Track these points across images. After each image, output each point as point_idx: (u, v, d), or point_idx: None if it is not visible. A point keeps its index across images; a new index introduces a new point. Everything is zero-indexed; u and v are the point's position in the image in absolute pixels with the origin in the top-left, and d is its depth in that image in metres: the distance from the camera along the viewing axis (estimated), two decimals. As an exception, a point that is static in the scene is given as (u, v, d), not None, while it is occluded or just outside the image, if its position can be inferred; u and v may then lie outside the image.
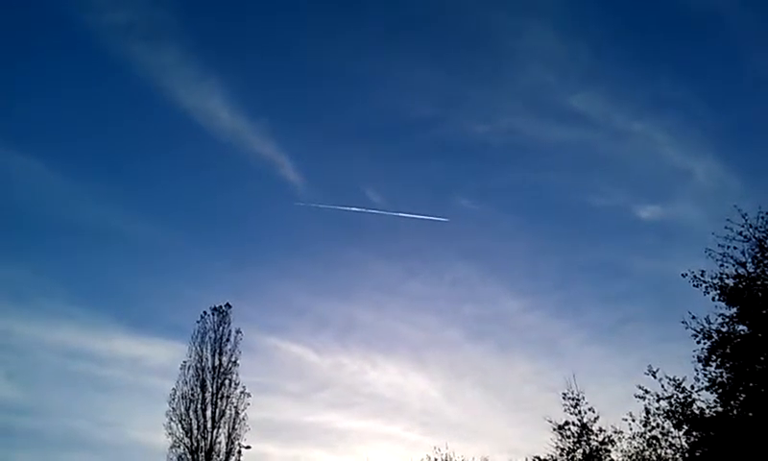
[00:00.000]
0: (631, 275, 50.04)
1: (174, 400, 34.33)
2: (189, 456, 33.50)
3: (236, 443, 34.11)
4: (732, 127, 50.76)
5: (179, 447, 33.58)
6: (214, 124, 55.86)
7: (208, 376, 35.07)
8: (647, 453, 19.87)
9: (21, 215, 53.56)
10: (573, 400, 21.23)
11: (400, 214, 50.17)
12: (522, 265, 56.32)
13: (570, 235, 54.10)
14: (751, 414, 17.86)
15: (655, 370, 19.68)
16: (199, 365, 35.20)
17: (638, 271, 49.57)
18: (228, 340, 35.90)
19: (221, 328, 36.07)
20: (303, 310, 55.67)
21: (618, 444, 20.54)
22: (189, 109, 57.81)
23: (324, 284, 57.46)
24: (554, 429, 21.21)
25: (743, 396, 18.31)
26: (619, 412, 20.60)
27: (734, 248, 18.62)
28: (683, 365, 19.27)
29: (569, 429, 21.04)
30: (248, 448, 34.15)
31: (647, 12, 52.07)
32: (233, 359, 35.59)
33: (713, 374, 18.70)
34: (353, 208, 50.93)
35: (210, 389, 34.86)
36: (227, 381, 35.11)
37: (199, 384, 34.81)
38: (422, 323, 54.74)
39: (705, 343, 18.82)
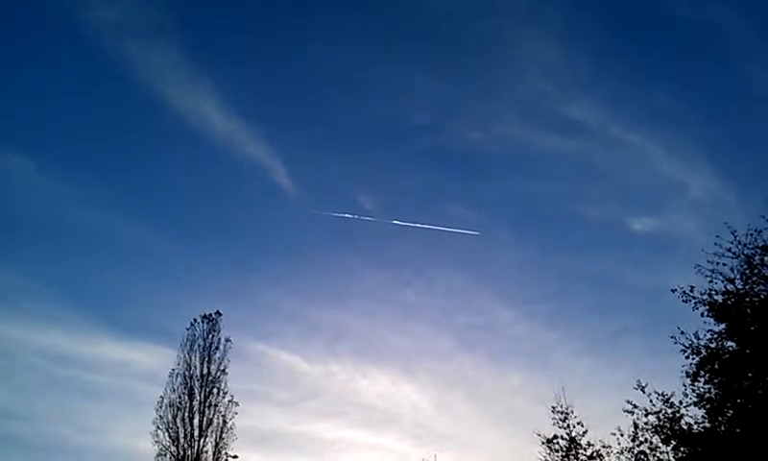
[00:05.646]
0: (624, 287, 50.36)
1: (161, 407, 34.23)
2: (175, 465, 33.24)
3: (223, 452, 33.93)
4: (726, 139, 51.41)
5: (165, 455, 33.38)
6: (207, 127, 55.69)
7: (196, 385, 34.89)
8: (635, 468, 19.84)
9: (10, 216, 53.21)
10: (562, 413, 21.18)
11: (395, 222, 50.13)
12: (515, 275, 56.61)
13: (564, 246, 54.46)
14: (738, 430, 17.90)
15: (644, 384, 19.83)
16: (187, 373, 35.09)
17: (631, 283, 49.93)
18: (216, 348, 35.81)
19: (210, 336, 35.98)
20: (294, 317, 55.46)
21: (607, 458, 20.47)
22: (182, 111, 57.50)
23: (315, 291, 57.41)
24: (543, 443, 21.13)
25: (731, 412, 18.36)
26: (609, 426, 20.64)
27: (724, 264, 18.74)
28: (673, 379, 19.37)
29: (558, 443, 20.96)
30: (235, 457, 33.94)
31: (644, 23, 52.97)
32: (222, 368, 35.49)
33: (702, 389, 18.77)
34: (346, 215, 50.90)
35: (198, 397, 34.67)
36: (215, 390, 34.99)
37: (187, 392, 34.62)
38: (414, 332, 54.75)
39: (693, 358, 18.89)
